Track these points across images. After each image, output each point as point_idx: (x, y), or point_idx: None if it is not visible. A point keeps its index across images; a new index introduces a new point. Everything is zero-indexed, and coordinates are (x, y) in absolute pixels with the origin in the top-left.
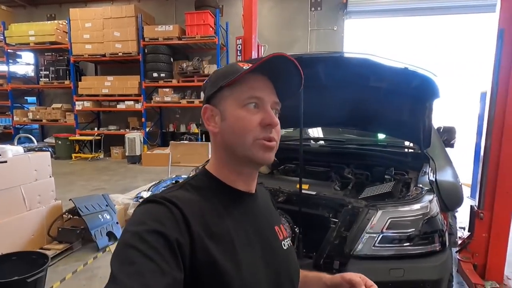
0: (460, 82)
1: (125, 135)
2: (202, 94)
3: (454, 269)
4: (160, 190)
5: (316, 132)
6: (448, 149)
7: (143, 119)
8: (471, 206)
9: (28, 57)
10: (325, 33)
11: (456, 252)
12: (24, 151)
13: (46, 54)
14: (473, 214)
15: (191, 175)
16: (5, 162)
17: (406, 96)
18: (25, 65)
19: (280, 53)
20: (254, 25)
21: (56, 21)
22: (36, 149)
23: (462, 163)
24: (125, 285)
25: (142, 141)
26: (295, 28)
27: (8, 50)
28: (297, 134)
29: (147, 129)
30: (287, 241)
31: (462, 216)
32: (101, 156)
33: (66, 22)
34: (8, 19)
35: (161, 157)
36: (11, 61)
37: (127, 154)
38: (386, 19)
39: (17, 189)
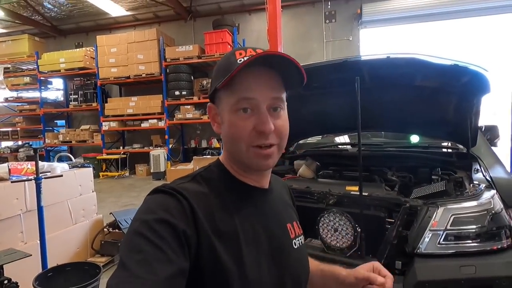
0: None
1: (150, 152)
2: None
3: None
4: None
5: (342, 138)
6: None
7: (166, 136)
8: None
9: (57, 83)
10: (340, 44)
11: None
12: (70, 168)
13: (75, 79)
14: None
15: (204, 166)
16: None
17: (452, 94)
18: (55, 90)
19: (269, 51)
20: (279, 38)
21: (84, 48)
22: (79, 166)
23: None
24: (133, 272)
25: (165, 157)
26: (311, 41)
27: (41, 78)
28: (326, 141)
29: (170, 146)
30: (299, 240)
31: None
32: (127, 173)
33: (94, 48)
34: (40, 49)
35: (185, 173)
36: (43, 87)
37: (152, 170)
38: (402, 26)
39: (64, 203)
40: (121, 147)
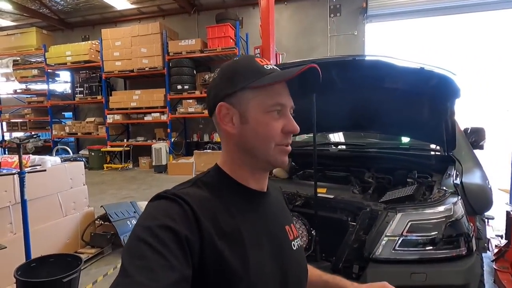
0: (493, 81)
1: (152, 145)
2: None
3: (490, 279)
4: None
5: (336, 136)
6: (481, 152)
7: (168, 130)
8: (507, 212)
9: (65, 75)
10: (345, 38)
11: (492, 261)
12: (61, 161)
13: (81, 72)
14: (510, 220)
15: (203, 172)
16: (45, 170)
17: (424, 97)
18: (63, 83)
19: (313, 64)
20: (271, 34)
21: (89, 42)
22: (72, 159)
23: (501, 167)
24: (135, 279)
25: (167, 151)
26: (315, 35)
27: (48, 70)
28: (318, 139)
29: (173, 139)
30: (297, 241)
31: (500, 224)
32: (130, 166)
33: (99, 42)
34: (48, 42)
35: (186, 166)
36: (50, 80)
37: (154, 163)
38: (408, 20)
39: (55, 196)
40: (125, 140)
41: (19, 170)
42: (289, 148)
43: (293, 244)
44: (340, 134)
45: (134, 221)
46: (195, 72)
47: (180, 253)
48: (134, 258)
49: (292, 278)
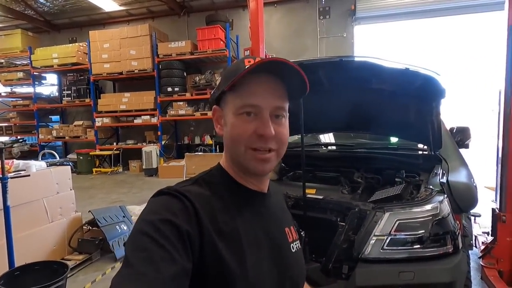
0: (478, 81)
1: (142, 148)
2: None
3: (478, 275)
4: None
5: (326, 137)
6: (466, 150)
7: (159, 133)
8: (492, 209)
9: (52, 78)
10: (334, 40)
11: (479, 258)
12: (47, 166)
13: (68, 74)
14: (495, 217)
15: (205, 170)
16: (28, 176)
17: (410, 97)
18: (49, 86)
19: (277, 58)
20: (261, 36)
21: (77, 44)
22: (58, 164)
23: (487, 166)
24: (137, 270)
25: (158, 154)
26: (305, 37)
27: (34, 73)
28: (308, 140)
29: (163, 142)
30: (296, 244)
31: (486, 221)
32: (120, 169)
33: (86, 44)
34: (34, 44)
35: (177, 169)
36: (36, 83)
37: (144, 167)
38: (396, 23)
39: (40, 201)
40: (114, 143)
41: (1, 176)
42: (266, 156)
43: (292, 246)
44: (330, 135)
45: (123, 226)
46: (185, 74)
47: (181, 246)
48: (136, 250)
49: (289, 279)
